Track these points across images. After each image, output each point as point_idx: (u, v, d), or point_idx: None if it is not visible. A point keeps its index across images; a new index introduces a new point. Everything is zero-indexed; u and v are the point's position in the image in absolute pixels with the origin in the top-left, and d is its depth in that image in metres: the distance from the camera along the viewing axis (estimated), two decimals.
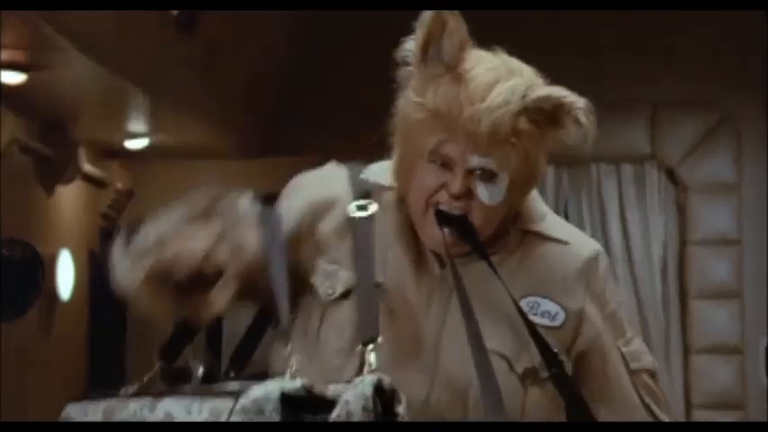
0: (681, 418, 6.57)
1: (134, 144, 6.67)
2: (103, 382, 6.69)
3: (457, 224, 1.98)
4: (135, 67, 5.08)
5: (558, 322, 2.02)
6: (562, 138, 1.99)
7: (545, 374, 1.99)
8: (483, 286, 2.01)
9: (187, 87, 5.71)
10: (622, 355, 2.07)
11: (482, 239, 2.01)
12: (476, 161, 1.97)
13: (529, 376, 1.99)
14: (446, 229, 1.98)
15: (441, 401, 1.98)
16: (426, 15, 1.98)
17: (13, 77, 5.03)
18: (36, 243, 5.75)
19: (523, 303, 2.00)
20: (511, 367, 1.99)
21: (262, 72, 6.55)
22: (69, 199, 6.53)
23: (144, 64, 5.14)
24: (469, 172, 1.98)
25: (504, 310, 2.00)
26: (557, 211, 2.18)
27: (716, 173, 6.85)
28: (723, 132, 6.85)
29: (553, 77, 2.00)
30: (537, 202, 2.12)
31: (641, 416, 2.08)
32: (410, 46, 2.00)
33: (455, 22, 1.97)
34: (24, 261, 5.56)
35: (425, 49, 1.98)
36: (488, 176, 1.98)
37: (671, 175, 6.91)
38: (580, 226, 6.71)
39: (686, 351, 6.84)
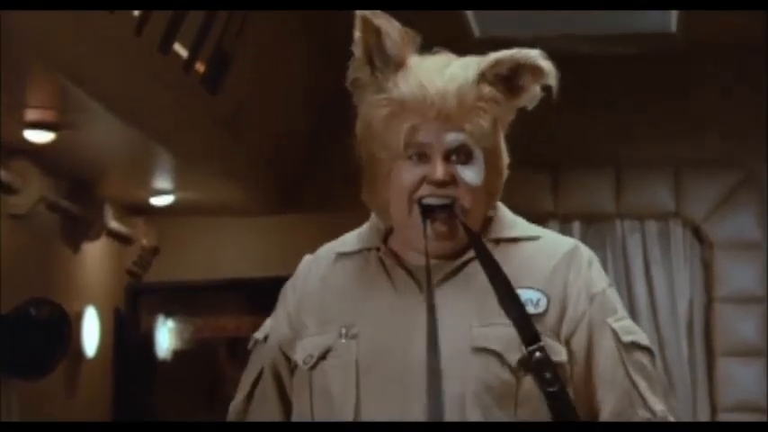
0: None
1: (159, 201, 6.70)
2: None
3: (444, 212, 2.01)
4: (161, 126, 5.12)
5: (541, 308, 2.04)
6: (529, 101, 2.06)
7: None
8: (465, 291, 2.03)
9: (212, 145, 5.74)
10: (613, 331, 2.06)
11: (470, 234, 2.03)
12: (452, 137, 2.01)
13: (522, 367, 2.00)
14: (430, 223, 2.01)
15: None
16: (356, 30, 2.04)
17: (41, 136, 5.07)
18: (62, 300, 5.76)
19: None
20: (502, 361, 1.99)
21: (286, 129, 6.58)
22: (95, 256, 6.56)
23: (170, 122, 5.18)
24: (447, 157, 2.01)
25: (490, 307, 2.02)
26: None
27: (741, 230, 6.83)
28: (746, 190, 6.84)
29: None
30: (506, 212, 2.16)
31: (625, 392, 2.04)
32: (354, 68, 2.06)
33: (384, 20, 2.03)
34: (52, 321, 5.56)
35: (370, 60, 2.04)
36: (466, 157, 2.02)
37: (696, 233, 6.89)
38: None
39: (713, 410, 6.78)
